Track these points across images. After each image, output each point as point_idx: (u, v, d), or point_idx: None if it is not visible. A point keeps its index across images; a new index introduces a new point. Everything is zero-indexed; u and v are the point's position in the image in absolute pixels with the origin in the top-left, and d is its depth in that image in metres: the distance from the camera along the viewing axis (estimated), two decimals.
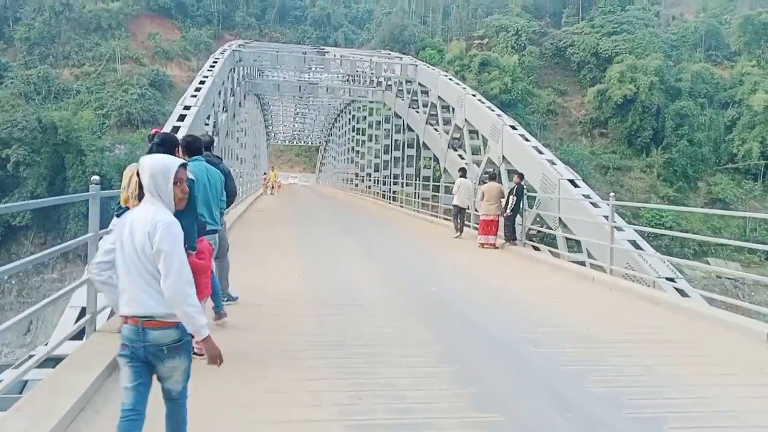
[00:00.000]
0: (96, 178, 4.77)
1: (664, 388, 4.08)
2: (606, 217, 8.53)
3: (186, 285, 2.48)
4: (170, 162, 2.68)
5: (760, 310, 6.29)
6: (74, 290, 4.85)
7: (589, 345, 5.15)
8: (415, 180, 22.44)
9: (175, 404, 2.68)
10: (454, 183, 13.76)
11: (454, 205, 13.22)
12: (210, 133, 14.52)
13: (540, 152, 11.71)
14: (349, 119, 40.02)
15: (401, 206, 23.28)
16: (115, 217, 4.60)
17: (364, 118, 35.83)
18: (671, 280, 7.60)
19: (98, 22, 66.79)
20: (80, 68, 63.49)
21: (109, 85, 60.82)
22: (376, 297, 6.98)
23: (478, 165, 14.94)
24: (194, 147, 5.34)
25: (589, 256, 9.12)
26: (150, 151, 4.08)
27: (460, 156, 16.83)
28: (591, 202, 9.72)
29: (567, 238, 10.05)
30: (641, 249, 8.33)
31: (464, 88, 17.23)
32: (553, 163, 11.08)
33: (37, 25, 63.83)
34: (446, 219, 16.13)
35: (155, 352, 2.53)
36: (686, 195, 53.79)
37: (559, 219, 10.12)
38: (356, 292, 7.20)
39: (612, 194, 8.51)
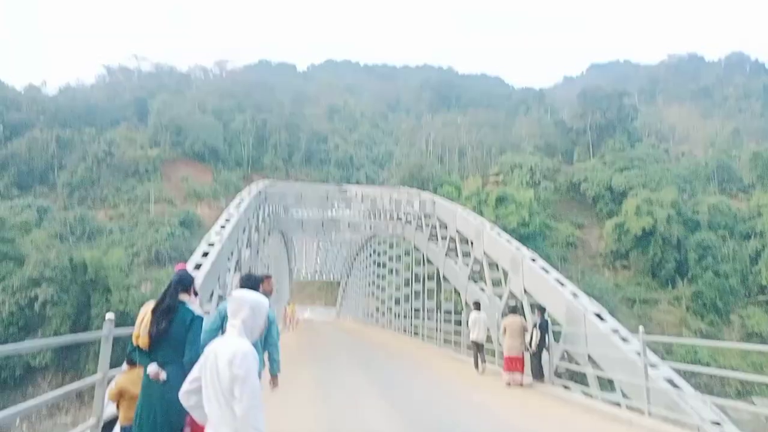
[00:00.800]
0: (110, 315, 4.71)
1: None
2: (639, 354, 8.11)
3: (256, 409, 2.75)
4: (264, 300, 3.05)
5: None
6: None
7: None
8: (437, 313, 22.06)
9: None
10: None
11: (472, 341, 12.79)
12: (233, 269, 14.76)
13: (562, 284, 11.53)
14: (370, 253, 40.58)
15: (422, 341, 22.63)
16: (125, 363, 4.53)
17: (385, 252, 36.29)
18: (717, 424, 6.98)
19: (136, 167, 71.65)
20: (115, 209, 66.90)
21: (141, 224, 63.54)
22: None
23: (500, 298, 14.71)
24: (250, 284, 5.37)
25: (624, 395, 8.54)
26: (181, 284, 4.13)
27: (481, 289, 16.67)
28: (620, 337, 9.32)
29: (598, 377, 9.49)
30: (679, 388, 7.79)
31: (482, 222, 17.58)
32: (576, 296, 10.85)
33: (80, 171, 68.57)
34: (470, 355, 15.53)
35: None
36: (719, 329, 51.57)
37: (588, 355, 9.66)
38: None
39: (641, 328, 8.17)
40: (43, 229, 56.43)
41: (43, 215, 60.09)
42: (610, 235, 61.17)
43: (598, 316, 9.99)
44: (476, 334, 12.60)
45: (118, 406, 4.48)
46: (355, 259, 49.87)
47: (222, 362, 2.77)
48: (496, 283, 15.68)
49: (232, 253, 14.40)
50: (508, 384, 10.84)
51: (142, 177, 71.70)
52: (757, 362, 45.57)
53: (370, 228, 32.20)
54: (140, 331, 3.97)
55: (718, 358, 45.23)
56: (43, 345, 3.83)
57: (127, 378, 4.58)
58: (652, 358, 8.29)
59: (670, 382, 7.92)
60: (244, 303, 2.92)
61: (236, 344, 2.82)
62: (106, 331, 4.57)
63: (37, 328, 44.28)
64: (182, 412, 3.58)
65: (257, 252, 21.52)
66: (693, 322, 51.93)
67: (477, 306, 13.28)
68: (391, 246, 34.52)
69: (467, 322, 13.36)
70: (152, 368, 3.84)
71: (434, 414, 8.39)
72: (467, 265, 18.07)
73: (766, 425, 34.59)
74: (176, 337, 3.93)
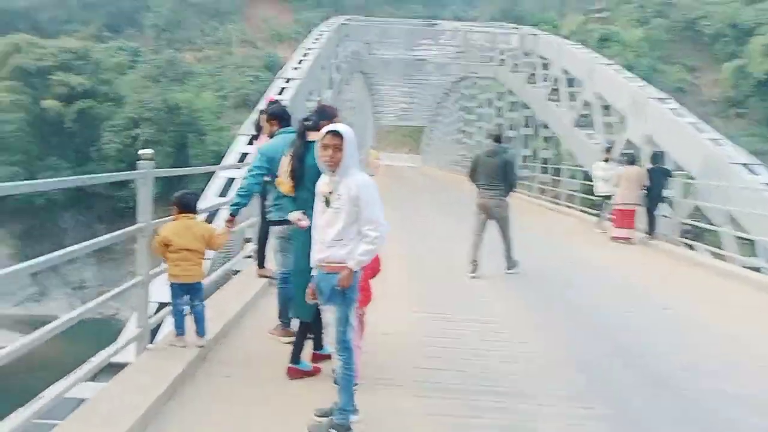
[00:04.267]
0: (147, 152, 3.72)
1: None
2: None
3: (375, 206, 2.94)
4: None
5: None
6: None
7: None
8: (531, 163, 20.46)
9: None
10: (585, 167, 11.91)
11: (598, 195, 11.19)
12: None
13: (699, 130, 9.59)
14: (458, 97, 38.32)
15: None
16: (175, 209, 3.68)
17: (474, 96, 33.97)
18: None
19: (217, 8, 70.05)
20: (201, 52, 67.10)
21: (227, 68, 63.68)
22: (503, 309, 5.69)
23: (614, 146, 12.83)
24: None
25: None
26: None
27: (588, 135, 14.76)
28: None
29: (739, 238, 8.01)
30: None
31: (595, 57, 15.06)
32: (718, 143, 8.97)
33: (164, 12, 68.19)
34: (569, 206, 14.32)
35: None
36: None
37: (728, 213, 8.10)
38: (477, 303, 5.88)
39: None
40: (137, 71, 57.84)
41: (135, 57, 61.29)
42: (727, 79, 54.20)
43: (747, 167, 8.20)
44: (601, 187, 10.94)
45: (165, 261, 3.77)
46: (441, 103, 47.70)
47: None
48: (610, 130, 13.70)
49: (311, 93, 13.31)
50: (615, 239, 9.82)
51: (223, 18, 70.42)
52: None
53: (460, 69, 29.69)
54: (282, 178, 3.80)
55: None
56: (70, 183, 3.24)
57: (171, 227, 3.72)
58: None
59: None
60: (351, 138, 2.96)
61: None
62: (143, 171, 3.57)
63: None
64: None
65: (339, 94, 20.35)
66: None
67: (607, 152, 11.41)
68: (482, 90, 32.05)
69: (574, 173, 11.90)
70: (294, 214, 3.62)
71: (548, 273, 7.45)
72: (573, 109, 15.99)
73: None
74: (314, 180, 3.51)
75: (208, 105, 52.14)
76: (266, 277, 5.40)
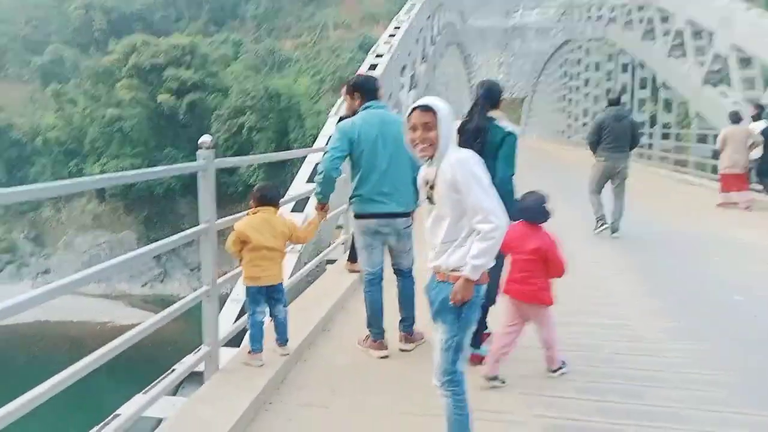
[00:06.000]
0: (206, 138, 3.04)
1: None
2: None
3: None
4: None
5: None
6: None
7: None
8: (650, 129, 18.42)
9: None
10: (718, 129, 10.27)
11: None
12: (407, 87, 13.15)
13: None
14: (561, 63, 35.78)
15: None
16: (253, 202, 3.26)
17: (579, 61, 31.46)
18: None
19: None
20: (299, 39, 68.75)
21: (323, 52, 64.72)
22: (629, 297, 4.79)
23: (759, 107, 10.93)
24: (369, 88, 3.74)
25: None
26: (489, 100, 3.48)
27: (722, 94, 12.78)
28: None
29: None
30: None
31: (731, 0, 12.92)
32: None
33: (263, 2, 70.59)
34: (697, 175, 12.58)
35: None
36: None
37: None
38: (600, 286, 5.08)
39: None
40: (240, 62, 60.44)
41: (238, 48, 64.06)
42: None
43: None
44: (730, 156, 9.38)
45: (240, 261, 3.30)
46: (541, 72, 44.99)
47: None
48: (750, 86, 11.71)
49: (404, 68, 12.64)
50: (726, 205, 9.14)
51: (319, 3, 71.57)
52: None
53: (563, 33, 27.54)
54: None
55: None
56: (140, 177, 3.06)
57: (248, 222, 3.18)
58: None
59: None
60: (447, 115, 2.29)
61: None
62: (202, 162, 2.95)
63: (248, 152, 49.63)
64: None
65: (434, 68, 19.49)
66: None
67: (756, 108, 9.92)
68: (588, 53, 29.56)
69: (703, 137, 10.43)
70: None
71: (684, 259, 6.36)
72: (701, 65, 13.96)
73: None
74: (490, 158, 3.30)
75: (305, 90, 53.28)
76: (356, 272, 4.92)
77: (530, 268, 3.13)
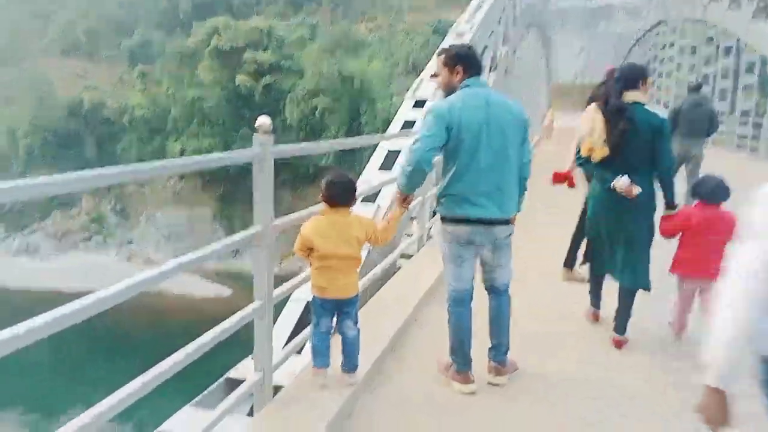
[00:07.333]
0: (265, 122, 2.47)
1: None
2: None
3: None
4: None
5: None
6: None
7: None
8: (754, 117, 16.65)
9: None
10: None
11: None
12: (488, 68, 12.44)
13: None
14: (650, 47, 33.41)
15: (730, 151, 17.66)
16: (324, 202, 2.80)
17: (671, 44, 29.18)
18: None
19: None
20: (373, 22, 68.56)
21: (397, 35, 64.22)
22: None
23: None
24: (473, 60, 3.11)
25: None
26: (624, 82, 3.55)
27: None
28: None
29: None
30: None
31: None
32: None
33: None
34: None
35: None
36: None
37: None
38: None
39: None
40: (315, 45, 61.02)
41: (314, 31, 64.72)
42: None
43: None
44: None
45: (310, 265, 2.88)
46: (627, 55, 42.28)
47: None
48: None
49: (485, 49, 11.92)
50: None
51: None
52: None
53: (656, 14, 25.50)
54: (593, 142, 3.51)
55: None
56: (188, 168, 2.77)
57: (314, 226, 2.75)
58: None
59: None
60: None
61: None
62: (257, 150, 2.45)
63: (320, 134, 50.12)
64: (652, 228, 3.53)
65: (515, 51, 18.48)
66: None
67: None
68: (682, 35, 27.29)
69: None
70: (622, 181, 3.34)
71: None
72: None
73: None
74: (639, 144, 3.39)
75: (377, 73, 53.05)
76: (575, 280, 4.47)
77: (723, 249, 3.11)
